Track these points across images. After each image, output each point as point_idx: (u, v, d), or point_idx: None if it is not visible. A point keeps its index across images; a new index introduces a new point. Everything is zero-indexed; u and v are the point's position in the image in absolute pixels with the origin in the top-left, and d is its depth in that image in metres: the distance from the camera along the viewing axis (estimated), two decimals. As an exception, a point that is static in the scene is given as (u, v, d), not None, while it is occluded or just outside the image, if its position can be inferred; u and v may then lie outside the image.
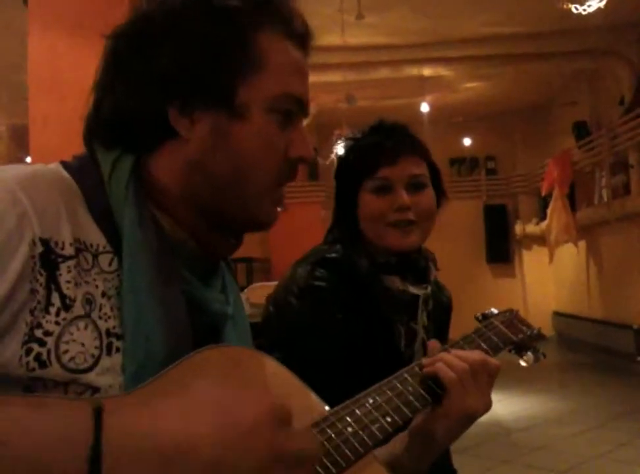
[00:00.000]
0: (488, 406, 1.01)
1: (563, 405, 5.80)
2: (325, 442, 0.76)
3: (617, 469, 4.03)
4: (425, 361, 1.01)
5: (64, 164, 0.80)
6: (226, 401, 0.61)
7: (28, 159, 5.38)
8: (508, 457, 4.34)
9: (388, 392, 0.91)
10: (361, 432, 0.81)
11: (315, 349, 1.27)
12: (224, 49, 0.79)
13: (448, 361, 0.99)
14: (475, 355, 1.02)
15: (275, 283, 1.43)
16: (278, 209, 0.87)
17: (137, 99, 0.79)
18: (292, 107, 0.83)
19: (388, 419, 0.87)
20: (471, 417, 0.99)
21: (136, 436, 0.57)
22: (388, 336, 1.35)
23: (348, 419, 0.82)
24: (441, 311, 1.50)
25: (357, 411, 0.84)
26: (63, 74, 3.79)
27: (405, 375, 0.96)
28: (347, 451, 0.77)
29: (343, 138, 1.47)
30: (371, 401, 0.87)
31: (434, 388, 0.97)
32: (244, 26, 0.80)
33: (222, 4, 0.79)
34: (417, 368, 0.99)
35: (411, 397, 0.93)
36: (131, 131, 0.80)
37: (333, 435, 0.78)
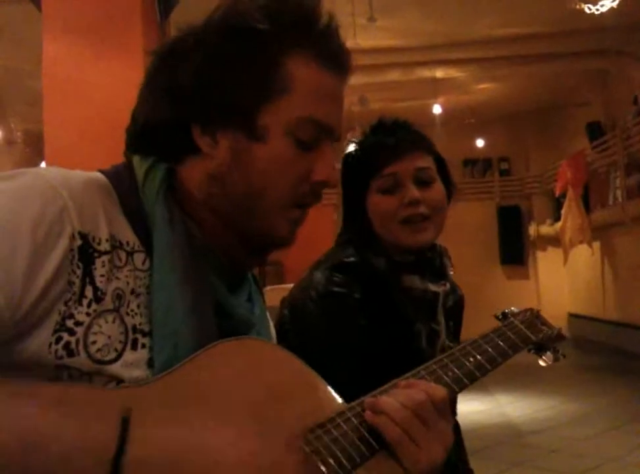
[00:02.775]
0: (445, 445, 0.83)
1: (578, 408, 5.76)
2: (350, 431, 0.77)
3: (633, 472, 3.99)
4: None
5: (101, 171, 0.83)
6: None
7: (43, 164, 5.42)
8: (521, 460, 4.31)
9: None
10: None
11: (333, 355, 1.24)
12: (247, 71, 0.80)
13: (392, 415, 0.80)
14: (419, 395, 0.82)
15: (288, 286, 1.43)
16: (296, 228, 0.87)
17: (162, 113, 0.82)
18: (315, 132, 0.83)
19: None
20: (433, 468, 0.81)
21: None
22: (409, 336, 1.34)
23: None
24: (456, 309, 1.48)
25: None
26: (77, 79, 3.82)
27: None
28: (362, 447, 0.78)
29: (349, 141, 1.47)
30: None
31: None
32: (272, 49, 0.80)
33: (250, 26, 0.79)
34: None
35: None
36: (159, 143, 0.83)
37: (350, 431, 0.78)
